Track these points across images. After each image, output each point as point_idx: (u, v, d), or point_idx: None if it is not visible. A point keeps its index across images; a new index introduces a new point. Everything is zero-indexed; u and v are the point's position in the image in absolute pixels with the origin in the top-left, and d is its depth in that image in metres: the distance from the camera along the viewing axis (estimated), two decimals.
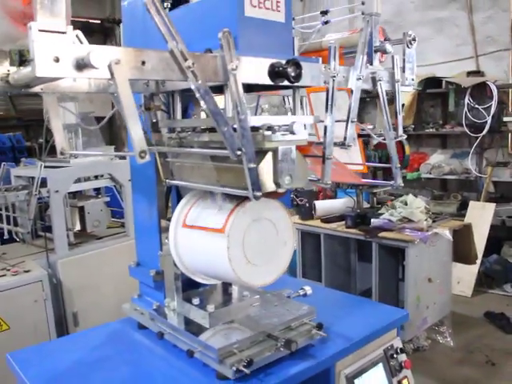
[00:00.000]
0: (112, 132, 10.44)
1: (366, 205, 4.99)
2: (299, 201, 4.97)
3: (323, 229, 4.83)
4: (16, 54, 1.31)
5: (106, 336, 2.17)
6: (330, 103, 1.75)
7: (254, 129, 1.54)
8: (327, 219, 4.88)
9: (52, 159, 3.91)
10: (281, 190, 1.61)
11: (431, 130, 7.23)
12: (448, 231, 4.38)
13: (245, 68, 1.48)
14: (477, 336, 4.94)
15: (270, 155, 1.57)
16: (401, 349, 2.19)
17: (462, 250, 4.79)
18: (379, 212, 4.61)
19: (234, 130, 1.43)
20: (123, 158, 4.37)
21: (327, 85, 1.74)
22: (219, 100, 1.51)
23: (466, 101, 6.40)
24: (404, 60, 2.04)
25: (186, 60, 1.34)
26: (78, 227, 4.28)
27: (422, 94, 7.13)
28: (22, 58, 1.31)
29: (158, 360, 1.92)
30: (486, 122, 6.27)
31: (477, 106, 6.34)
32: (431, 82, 6.93)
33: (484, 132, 6.34)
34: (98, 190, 4.67)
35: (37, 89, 1.64)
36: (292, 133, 1.55)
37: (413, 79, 2.09)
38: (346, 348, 1.95)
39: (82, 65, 1.18)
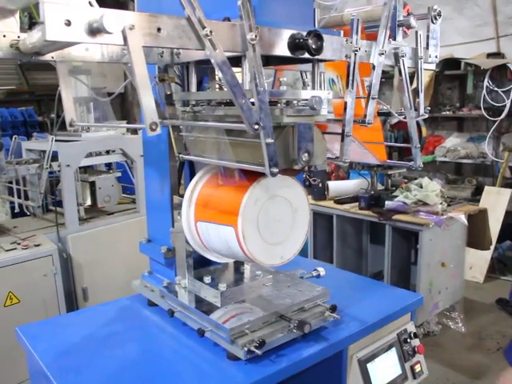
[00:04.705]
0: (124, 108, 10.39)
1: (380, 187, 4.93)
2: (312, 181, 4.90)
3: (336, 210, 4.79)
4: (26, 16, 1.24)
5: (116, 312, 2.15)
6: (351, 78, 1.69)
7: (272, 103, 1.48)
8: (340, 200, 4.84)
9: (63, 133, 3.88)
10: (298, 167, 1.55)
11: (448, 112, 7.10)
12: (464, 216, 4.31)
13: (264, 39, 1.41)
14: (488, 322, 4.91)
15: (288, 130, 1.52)
16: (414, 333, 2.15)
17: (476, 235, 4.72)
18: (393, 194, 4.55)
19: (252, 103, 1.37)
20: (135, 133, 4.33)
21: (348, 59, 1.67)
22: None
23: (485, 83, 6.26)
24: (428, 36, 1.96)
25: (203, 28, 1.27)
26: (88, 202, 4.27)
27: (439, 76, 6.98)
28: (32, 21, 1.25)
29: (168, 338, 1.89)
30: (505, 105, 6.14)
31: (496, 88, 6.20)
32: (449, 64, 6.76)
33: (502, 116, 6.22)
34: (109, 166, 4.64)
35: (47, 57, 1.58)
36: (311, 108, 1.49)
37: (436, 56, 2.00)
38: (360, 331, 1.90)
39: (94, 29, 1.12)
